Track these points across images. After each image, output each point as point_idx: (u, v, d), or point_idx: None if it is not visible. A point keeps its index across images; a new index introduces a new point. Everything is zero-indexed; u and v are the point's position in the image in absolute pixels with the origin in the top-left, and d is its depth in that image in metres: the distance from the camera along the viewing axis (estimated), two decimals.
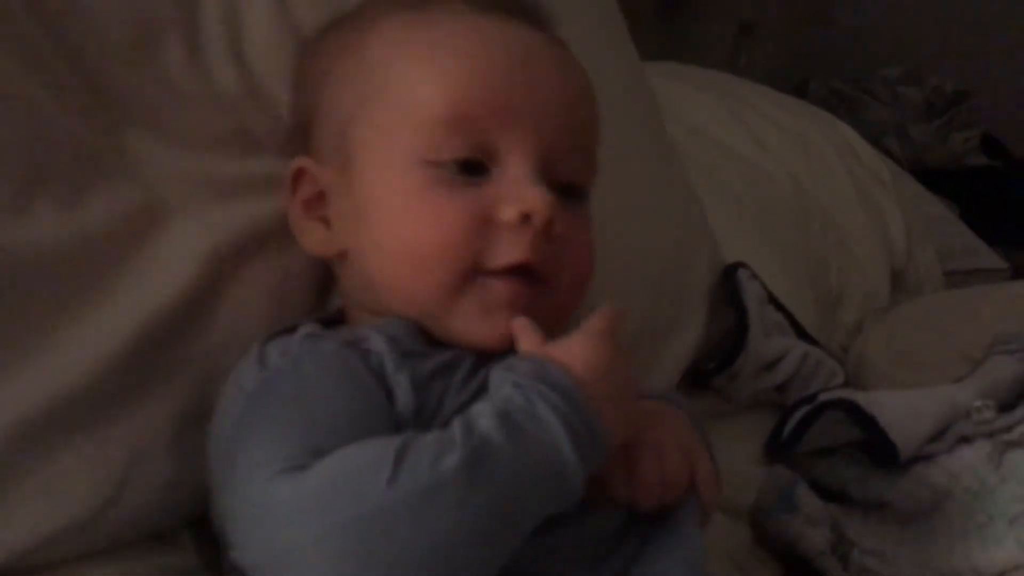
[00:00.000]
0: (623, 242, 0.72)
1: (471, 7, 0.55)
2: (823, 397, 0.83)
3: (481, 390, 0.50)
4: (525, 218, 0.51)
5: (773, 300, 0.91)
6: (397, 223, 0.52)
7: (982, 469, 0.73)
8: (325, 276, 0.61)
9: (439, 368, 0.50)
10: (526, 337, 0.51)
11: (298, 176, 0.57)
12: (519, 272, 0.52)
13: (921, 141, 2.06)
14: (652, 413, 0.55)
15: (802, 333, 0.93)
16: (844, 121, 1.42)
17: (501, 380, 0.47)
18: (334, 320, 0.57)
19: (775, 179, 1.17)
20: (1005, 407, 0.77)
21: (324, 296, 0.61)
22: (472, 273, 0.51)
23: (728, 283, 0.87)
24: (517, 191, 0.52)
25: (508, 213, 0.51)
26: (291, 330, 0.53)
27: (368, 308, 0.55)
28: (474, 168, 0.52)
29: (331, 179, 0.55)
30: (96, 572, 0.50)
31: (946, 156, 2.06)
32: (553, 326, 0.53)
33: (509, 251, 0.51)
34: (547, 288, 0.53)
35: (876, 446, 0.77)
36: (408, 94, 0.53)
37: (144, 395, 0.53)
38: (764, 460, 0.85)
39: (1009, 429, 0.73)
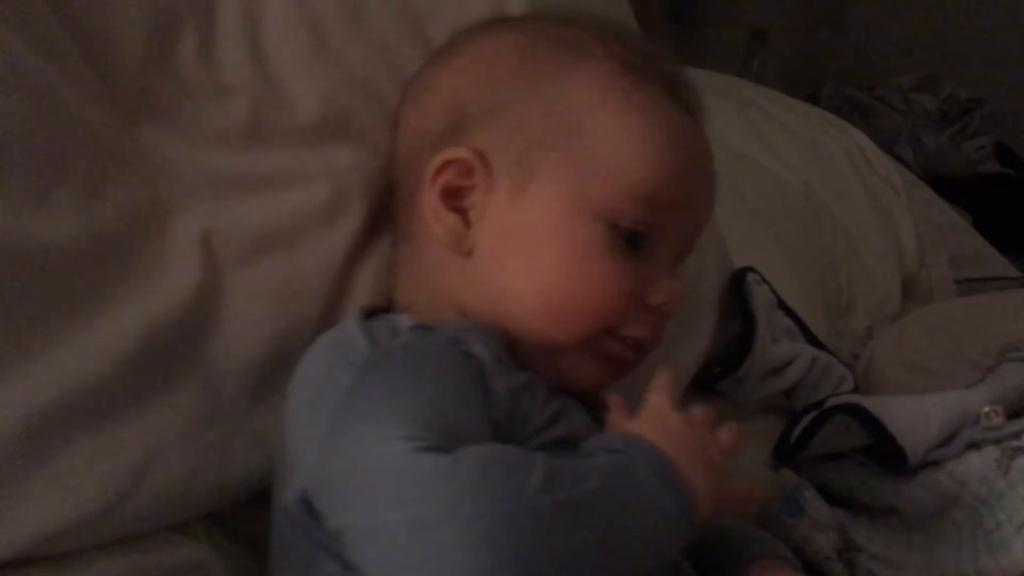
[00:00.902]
0: None
1: (661, 83, 0.59)
2: (831, 402, 0.83)
3: (558, 416, 0.53)
4: (664, 303, 0.57)
5: (782, 305, 0.91)
6: (562, 267, 0.55)
7: (990, 475, 0.72)
8: (339, 281, 0.61)
9: (526, 384, 0.53)
10: (618, 414, 0.53)
11: (448, 164, 0.57)
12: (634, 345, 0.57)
13: (934, 149, 2.05)
14: None
15: (811, 338, 0.93)
16: (857, 128, 1.42)
17: (592, 448, 0.50)
18: (384, 309, 0.58)
19: (786, 184, 1.18)
20: (1014, 414, 0.77)
21: (335, 297, 0.61)
22: (606, 333, 0.56)
23: (736, 288, 0.87)
24: (664, 280, 0.57)
25: (657, 299, 0.57)
26: (372, 313, 0.54)
27: (470, 312, 0.56)
28: (635, 242, 0.56)
29: (492, 186, 0.56)
30: (109, 562, 0.50)
31: (959, 164, 2.05)
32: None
33: (641, 327, 0.57)
34: (641, 353, 0.59)
35: (884, 451, 0.77)
36: (608, 151, 0.56)
37: (156, 392, 0.53)
38: (772, 464, 0.85)
39: (1018, 435, 0.73)
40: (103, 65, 0.55)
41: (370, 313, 0.55)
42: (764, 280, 0.90)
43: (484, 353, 0.51)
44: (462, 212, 0.57)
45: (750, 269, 0.89)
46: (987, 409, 0.76)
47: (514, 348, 0.55)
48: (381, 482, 0.44)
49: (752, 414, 0.88)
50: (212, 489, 0.55)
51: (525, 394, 0.52)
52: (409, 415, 0.46)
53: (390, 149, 0.63)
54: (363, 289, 0.61)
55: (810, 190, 1.19)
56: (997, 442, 0.74)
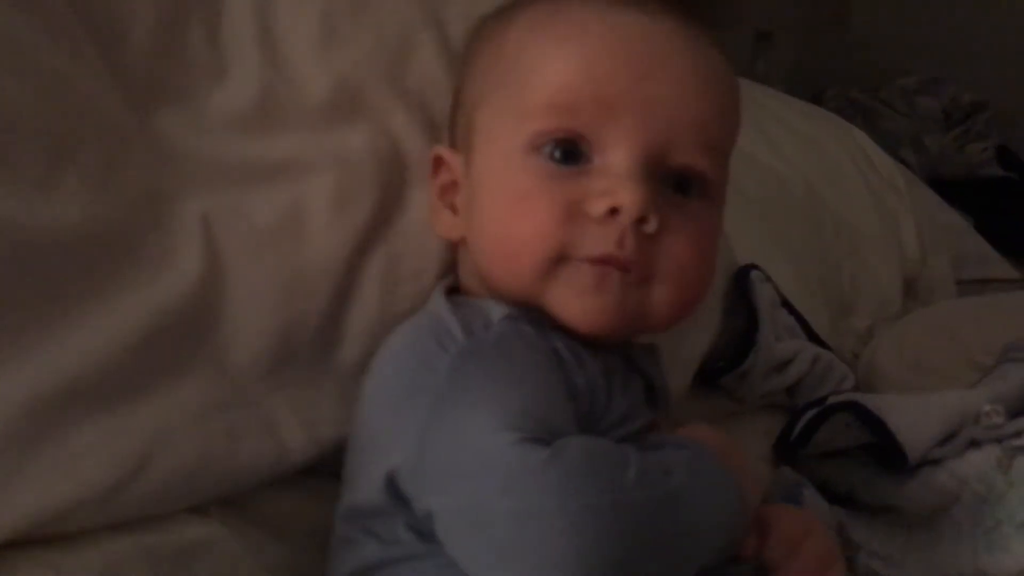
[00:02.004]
0: None
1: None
2: (832, 399, 0.83)
3: (632, 411, 0.53)
4: (613, 212, 0.51)
5: (785, 303, 0.91)
6: (495, 211, 0.54)
7: (991, 474, 0.73)
8: (348, 268, 0.60)
9: (603, 370, 0.53)
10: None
11: (437, 163, 0.59)
12: (607, 263, 0.52)
13: (937, 151, 2.05)
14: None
15: (813, 336, 0.93)
16: (860, 130, 1.42)
17: (661, 441, 0.51)
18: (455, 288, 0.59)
19: (789, 184, 1.18)
20: (1015, 413, 0.77)
21: (343, 288, 0.61)
22: (560, 260, 0.52)
23: (740, 284, 0.87)
24: (610, 185, 0.52)
25: (596, 208, 0.51)
26: (455, 289, 0.56)
27: (496, 292, 0.56)
28: (572, 156, 0.53)
29: (459, 166, 0.58)
30: (114, 542, 0.51)
31: (962, 167, 2.05)
32: (658, 328, 0.56)
33: (594, 244, 0.52)
34: (644, 280, 0.53)
35: (885, 449, 0.77)
36: (522, 82, 0.54)
37: (164, 381, 0.53)
38: (772, 461, 0.85)
39: (1018, 434, 0.73)
40: (112, 50, 0.55)
41: (450, 292, 0.56)
42: (768, 278, 0.90)
43: (562, 347, 0.51)
44: (452, 205, 0.59)
45: (754, 266, 0.89)
46: (988, 408, 0.76)
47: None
48: (486, 470, 0.45)
49: (754, 410, 0.88)
50: (220, 476, 0.55)
51: (601, 383, 0.52)
52: (509, 405, 0.46)
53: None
54: (371, 280, 0.61)
55: (813, 189, 1.19)
56: (998, 441, 0.74)
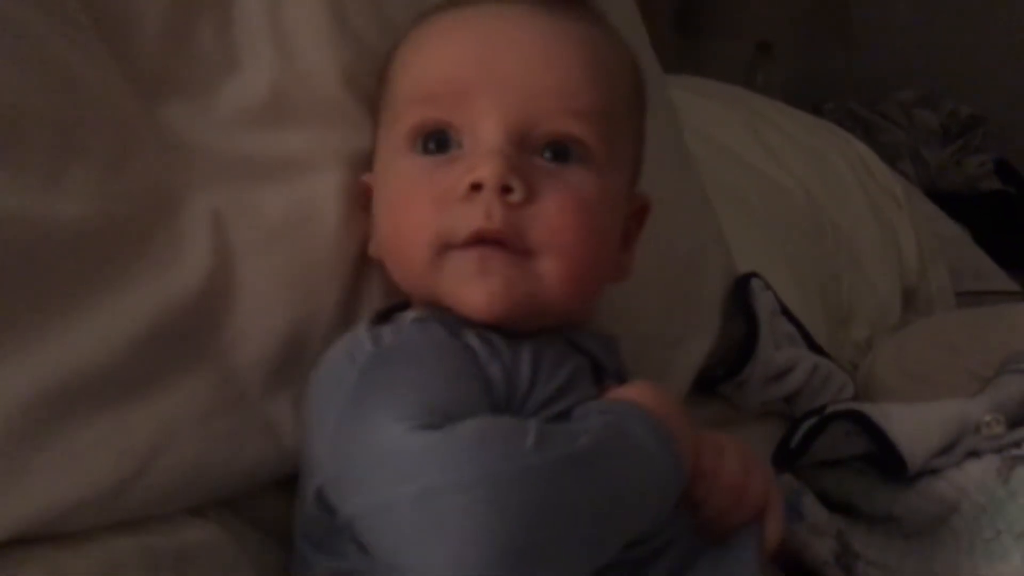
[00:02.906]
0: (638, 247, 0.72)
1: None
2: (832, 408, 0.83)
3: (567, 387, 0.53)
4: (476, 187, 0.52)
5: (785, 311, 0.91)
6: (386, 215, 0.57)
7: (990, 484, 0.72)
8: (357, 269, 0.60)
9: (527, 358, 0.52)
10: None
11: (368, 188, 0.60)
12: (486, 241, 0.52)
13: (935, 165, 2.06)
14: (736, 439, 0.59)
15: (813, 345, 0.93)
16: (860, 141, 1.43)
17: (584, 410, 0.51)
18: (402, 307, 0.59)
19: (790, 193, 1.18)
20: (1015, 423, 0.77)
21: (352, 287, 0.61)
22: (443, 249, 0.53)
23: (740, 292, 0.87)
24: (472, 163, 0.52)
25: (459, 186, 0.52)
26: (384, 316, 0.55)
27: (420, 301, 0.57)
28: (444, 144, 0.54)
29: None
30: (115, 542, 0.50)
31: (960, 180, 2.06)
32: (559, 304, 0.54)
33: (466, 222, 0.52)
34: (525, 254, 0.53)
35: (884, 459, 0.77)
36: (393, 90, 0.58)
37: (168, 379, 0.53)
38: (772, 469, 0.85)
39: (1018, 444, 0.73)
40: (121, 42, 0.55)
41: (384, 314, 0.56)
42: (768, 286, 0.90)
43: (475, 341, 0.52)
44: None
45: (754, 274, 0.89)
46: (988, 418, 0.76)
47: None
48: (384, 463, 0.46)
49: (753, 419, 0.88)
50: (223, 477, 0.54)
51: (524, 369, 0.52)
52: (407, 400, 0.47)
53: None
54: (381, 279, 0.61)
55: (813, 200, 1.19)
56: (998, 451, 0.74)
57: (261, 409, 0.56)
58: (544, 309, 0.54)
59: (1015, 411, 0.79)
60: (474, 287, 0.52)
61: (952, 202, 1.72)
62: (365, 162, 0.61)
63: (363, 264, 0.61)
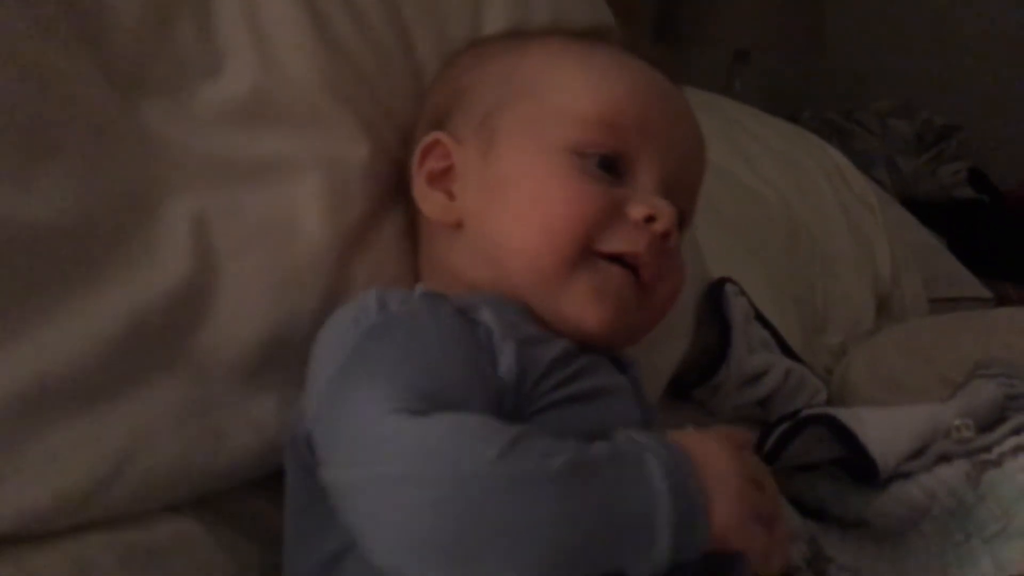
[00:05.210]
0: None
1: (619, 48, 0.63)
2: (805, 413, 0.83)
3: (583, 372, 0.53)
4: (649, 219, 0.57)
5: (759, 316, 0.92)
6: (541, 195, 0.57)
7: (960, 488, 0.73)
8: (338, 270, 0.61)
9: (543, 342, 0.53)
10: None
11: (429, 149, 0.62)
12: (628, 265, 0.56)
13: (909, 173, 2.08)
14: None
15: (787, 350, 0.93)
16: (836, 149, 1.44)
17: (625, 436, 0.49)
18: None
19: (765, 201, 1.19)
20: (984, 428, 0.77)
21: (334, 288, 0.60)
22: (589, 252, 0.56)
23: (714, 297, 0.87)
24: (646, 197, 0.58)
25: (637, 211, 0.57)
26: None
27: (467, 283, 0.58)
28: (612, 169, 0.58)
29: (465, 156, 0.61)
30: (90, 538, 0.50)
31: (934, 188, 2.08)
32: (638, 335, 0.60)
33: (626, 241, 0.56)
34: (646, 295, 0.58)
35: (856, 463, 0.77)
36: (563, 94, 0.59)
37: (145, 380, 0.53)
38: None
39: (988, 449, 0.74)
40: (98, 41, 0.55)
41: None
42: (742, 292, 0.91)
43: (491, 319, 0.52)
44: (447, 190, 0.61)
45: (728, 280, 0.90)
46: (958, 423, 0.77)
47: (530, 309, 0.56)
48: (356, 440, 0.46)
49: (726, 423, 0.88)
50: (203, 476, 0.54)
51: (539, 351, 0.52)
52: (397, 379, 0.47)
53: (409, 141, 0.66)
54: (363, 280, 0.61)
55: (789, 207, 1.20)
56: (968, 455, 0.75)
57: (242, 409, 0.56)
58: (627, 340, 0.60)
59: (985, 416, 0.79)
60: (600, 305, 0.56)
61: (926, 210, 1.73)
62: (346, 166, 0.62)
63: (345, 265, 0.61)
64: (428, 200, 0.61)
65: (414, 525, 0.43)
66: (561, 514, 0.44)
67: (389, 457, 0.44)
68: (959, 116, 2.16)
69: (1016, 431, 0.73)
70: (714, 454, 0.48)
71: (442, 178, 0.61)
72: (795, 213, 1.20)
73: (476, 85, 0.63)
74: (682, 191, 0.60)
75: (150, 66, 0.57)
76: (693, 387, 0.86)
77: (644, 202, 0.57)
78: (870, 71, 2.29)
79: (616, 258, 0.56)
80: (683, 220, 0.61)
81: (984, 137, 2.18)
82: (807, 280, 1.15)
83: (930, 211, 1.77)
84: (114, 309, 0.52)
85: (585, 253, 0.56)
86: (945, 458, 0.75)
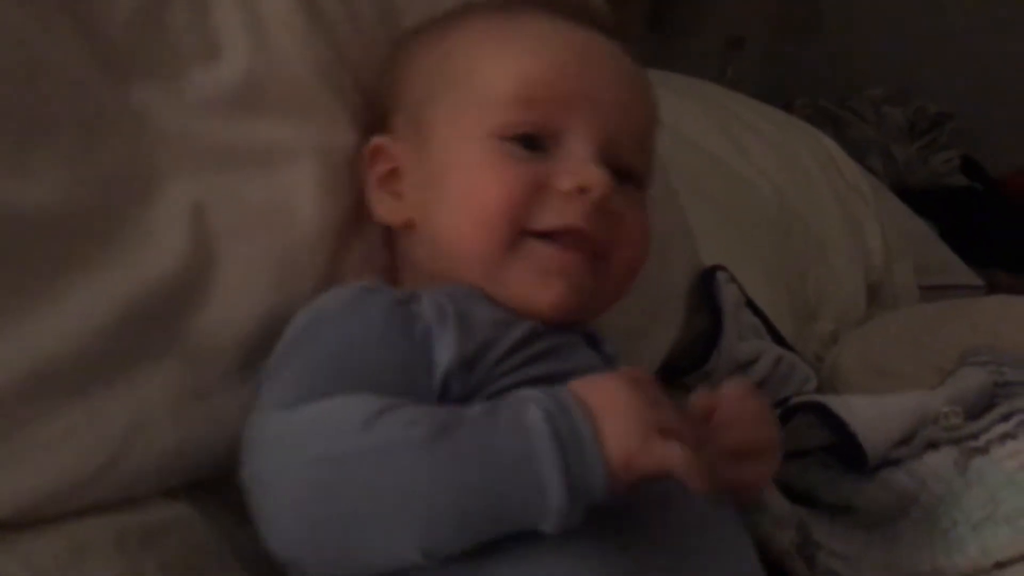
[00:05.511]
0: None
1: (549, 12, 0.61)
2: (794, 400, 0.84)
3: (547, 354, 0.54)
4: (581, 191, 0.55)
5: (750, 303, 0.92)
6: (466, 185, 0.57)
7: (948, 475, 0.73)
8: (333, 256, 0.61)
9: (506, 325, 0.54)
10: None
11: (375, 153, 0.62)
12: (572, 240, 0.55)
13: (903, 161, 2.08)
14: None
15: (777, 338, 0.94)
16: (829, 138, 1.44)
17: (513, 394, 0.48)
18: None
19: (757, 189, 1.19)
20: (972, 415, 0.78)
21: (330, 274, 0.61)
22: (523, 233, 0.56)
23: (705, 284, 0.88)
24: (576, 167, 0.56)
25: (565, 183, 0.56)
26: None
27: (429, 276, 0.59)
28: (537, 145, 0.57)
29: (405, 155, 0.61)
30: (82, 522, 0.50)
31: (927, 176, 2.08)
32: (604, 306, 0.60)
33: (560, 215, 0.55)
34: (602, 264, 0.57)
35: (846, 450, 0.78)
36: (481, 78, 0.59)
37: (143, 365, 0.53)
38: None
39: (976, 436, 0.74)
40: (92, 25, 0.55)
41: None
42: (733, 279, 0.91)
43: (430, 311, 0.52)
44: (396, 192, 0.61)
45: (720, 267, 0.90)
46: (946, 410, 0.77)
47: (488, 298, 0.56)
48: (244, 441, 0.48)
49: None
50: (198, 462, 0.54)
51: (499, 334, 0.53)
52: (292, 376, 0.49)
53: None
54: (357, 266, 0.61)
55: (781, 195, 1.20)
56: (956, 442, 0.75)
57: (241, 395, 0.56)
58: (592, 313, 0.60)
59: (973, 403, 0.80)
60: (548, 285, 0.55)
61: (919, 198, 1.74)
62: (338, 151, 0.62)
63: (339, 252, 0.61)
64: (379, 203, 0.62)
65: (291, 518, 0.44)
66: (432, 478, 0.43)
67: (262, 455, 0.46)
68: (952, 104, 2.17)
69: (1004, 418, 0.74)
70: (601, 387, 0.46)
71: (390, 180, 0.61)
72: (787, 201, 1.20)
73: (408, 79, 0.62)
74: (627, 149, 0.59)
75: (144, 51, 0.57)
76: (684, 374, 0.86)
77: (571, 172, 0.56)
78: (864, 58, 2.29)
79: (558, 234, 0.55)
80: (638, 178, 0.60)
81: (977, 125, 2.18)
82: (799, 268, 1.15)
83: (923, 199, 1.77)
84: (111, 294, 0.52)
85: (519, 236, 0.55)
86: (933, 445, 0.76)
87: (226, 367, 0.56)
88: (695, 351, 0.86)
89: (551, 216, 0.55)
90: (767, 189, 1.19)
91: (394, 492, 0.43)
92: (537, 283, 0.55)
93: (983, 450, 0.74)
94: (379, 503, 0.43)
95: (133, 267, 0.53)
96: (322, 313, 0.53)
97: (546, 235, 0.55)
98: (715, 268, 0.90)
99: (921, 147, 2.11)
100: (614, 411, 0.45)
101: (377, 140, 0.62)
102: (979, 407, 0.79)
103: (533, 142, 0.57)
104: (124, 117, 0.55)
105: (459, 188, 0.57)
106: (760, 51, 2.20)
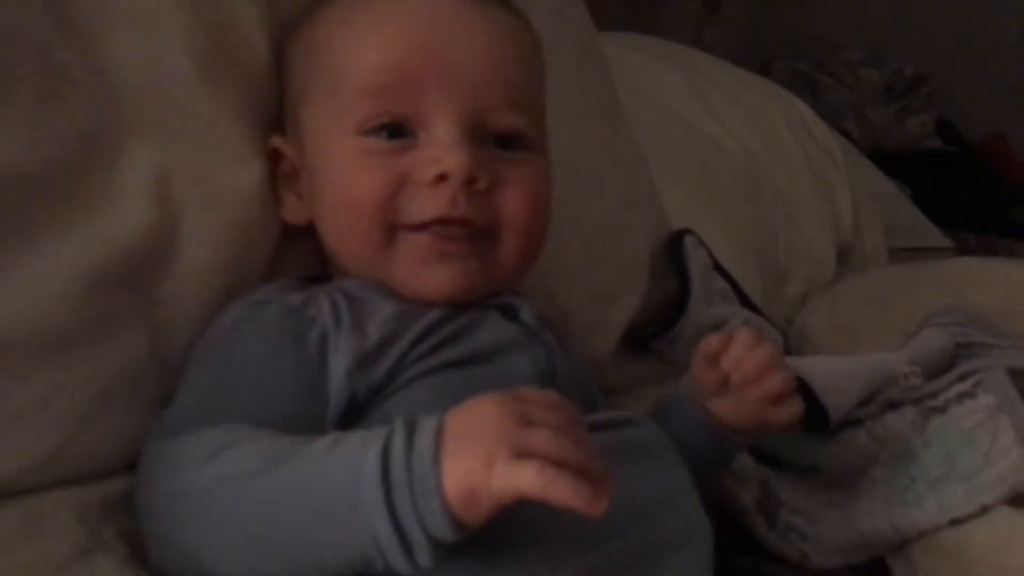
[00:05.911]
0: (560, 204, 0.72)
1: None
2: None
3: (456, 336, 0.54)
4: (442, 178, 0.54)
5: (719, 268, 0.92)
6: (337, 186, 0.57)
7: (907, 434, 0.74)
8: (280, 234, 0.61)
9: (410, 315, 0.53)
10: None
11: (275, 154, 0.61)
12: (445, 228, 0.55)
13: (880, 124, 2.09)
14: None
15: (746, 302, 0.94)
16: (806, 102, 1.44)
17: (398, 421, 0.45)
18: (321, 278, 0.60)
19: (728, 151, 1.19)
20: (933, 376, 0.79)
21: (277, 254, 0.61)
22: (393, 229, 0.55)
23: (673, 249, 0.88)
24: (437, 153, 0.55)
25: (424, 175, 0.54)
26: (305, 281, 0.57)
27: (341, 270, 0.59)
28: (403, 132, 0.56)
29: (296, 155, 0.60)
30: (40, 494, 0.50)
31: (903, 139, 2.08)
32: (514, 275, 0.58)
33: (424, 208, 0.54)
34: (488, 241, 0.56)
35: (808, 410, 0.79)
36: (338, 71, 0.57)
37: (108, 333, 0.52)
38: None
39: (935, 395, 0.75)
40: None
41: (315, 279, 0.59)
42: (701, 243, 0.91)
43: (327, 312, 0.52)
44: (298, 192, 0.61)
45: (688, 231, 0.90)
46: (907, 370, 0.78)
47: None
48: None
49: (684, 374, 0.89)
50: None
51: (403, 326, 0.53)
52: (183, 402, 0.50)
53: None
54: (299, 247, 0.61)
55: (752, 158, 1.20)
56: (915, 402, 0.76)
57: None
58: (497, 287, 0.58)
59: (935, 364, 0.81)
60: (433, 273, 0.55)
61: (895, 161, 1.74)
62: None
63: (290, 231, 0.61)
64: (284, 204, 0.61)
65: (154, 543, 0.47)
66: (252, 513, 0.43)
67: (138, 479, 0.48)
68: (929, 66, 2.16)
69: (962, 378, 0.75)
70: (470, 412, 0.42)
71: (293, 179, 0.61)
72: (758, 164, 1.20)
73: (285, 77, 0.62)
74: (502, 113, 0.57)
75: (110, 11, 0.55)
76: (651, 339, 0.86)
77: (432, 160, 0.54)
78: (842, 21, 2.28)
79: (431, 224, 0.54)
80: (523, 138, 0.58)
81: (953, 87, 2.18)
82: (769, 231, 1.15)
83: (899, 162, 1.78)
84: (75, 258, 0.51)
85: (390, 231, 0.55)
86: (893, 405, 0.77)
87: (189, 339, 0.55)
88: (663, 316, 0.86)
89: (418, 209, 0.54)
90: (737, 152, 1.19)
91: (228, 525, 0.44)
92: (420, 273, 0.55)
93: (941, 409, 0.75)
94: (216, 534, 0.44)
95: (98, 230, 0.52)
96: (212, 335, 0.53)
97: (420, 227, 0.55)
98: (683, 232, 0.90)
99: (897, 110, 2.11)
100: (468, 438, 0.41)
101: (274, 140, 0.61)
102: (940, 368, 0.81)
103: (398, 131, 0.56)
104: (91, 75, 0.54)
105: (332, 189, 0.57)
106: (738, 14, 2.19)
